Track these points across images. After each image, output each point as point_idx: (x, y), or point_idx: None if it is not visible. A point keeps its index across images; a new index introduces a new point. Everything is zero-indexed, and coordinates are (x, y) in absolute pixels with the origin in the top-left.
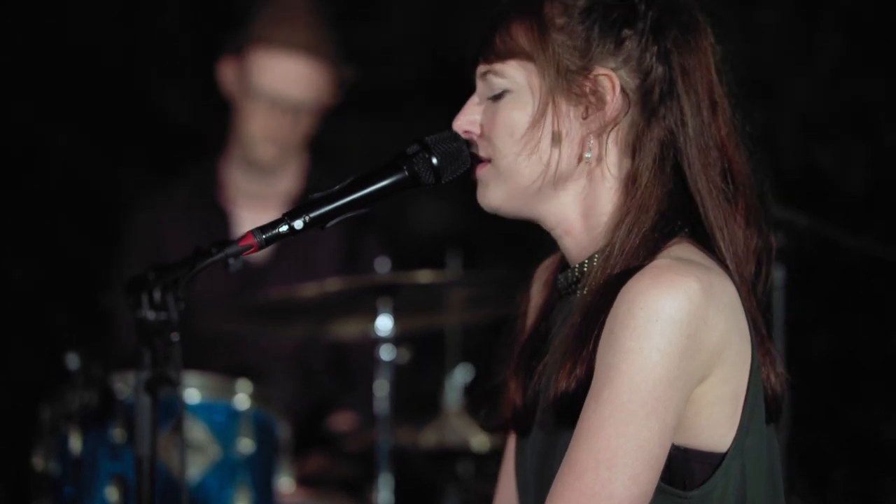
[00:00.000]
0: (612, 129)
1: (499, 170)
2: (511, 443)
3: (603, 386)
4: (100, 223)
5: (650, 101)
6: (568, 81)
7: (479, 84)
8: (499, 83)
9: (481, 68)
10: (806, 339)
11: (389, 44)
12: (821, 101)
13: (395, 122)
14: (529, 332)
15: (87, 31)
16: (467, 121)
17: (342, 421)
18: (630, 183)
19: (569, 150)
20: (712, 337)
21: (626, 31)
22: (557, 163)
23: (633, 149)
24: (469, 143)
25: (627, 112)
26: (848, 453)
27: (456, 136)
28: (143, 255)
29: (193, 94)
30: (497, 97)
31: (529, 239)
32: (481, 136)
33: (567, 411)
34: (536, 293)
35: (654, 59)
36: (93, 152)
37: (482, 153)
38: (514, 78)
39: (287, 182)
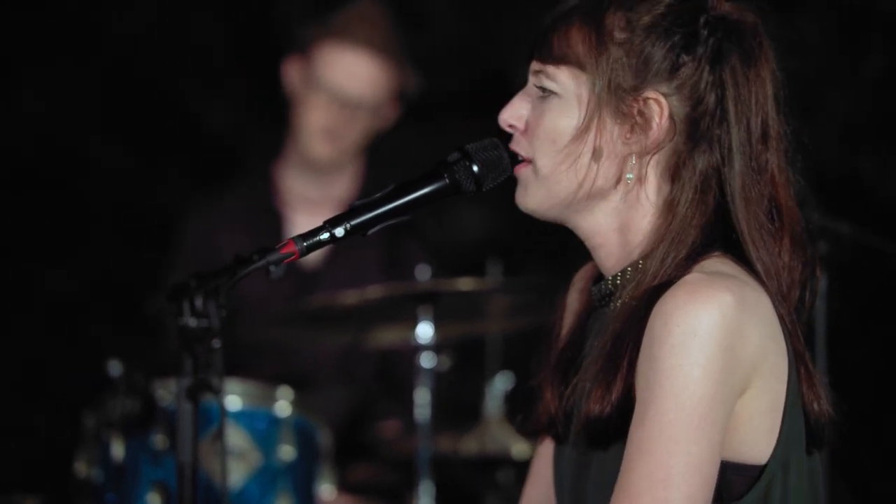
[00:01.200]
0: (653, 154)
1: (538, 174)
2: (543, 445)
3: (647, 406)
4: (140, 232)
5: (697, 132)
6: (617, 98)
7: (531, 79)
8: (549, 85)
9: (535, 65)
10: (848, 347)
11: (433, 53)
12: (863, 110)
13: (434, 132)
14: (566, 339)
15: (124, 43)
16: (513, 115)
17: (388, 429)
18: (668, 209)
19: (607, 167)
20: (749, 349)
21: (684, 57)
22: (594, 179)
23: (674, 175)
24: (510, 139)
25: (672, 139)
26: (892, 465)
27: (497, 144)
28: (197, 261)
29: (230, 103)
30: (545, 98)
31: (570, 246)
32: (525, 133)
33: (599, 435)
34: (574, 300)
35: (707, 87)
36: (132, 163)
37: (523, 152)
38: (565, 85)
39: (343, 186)
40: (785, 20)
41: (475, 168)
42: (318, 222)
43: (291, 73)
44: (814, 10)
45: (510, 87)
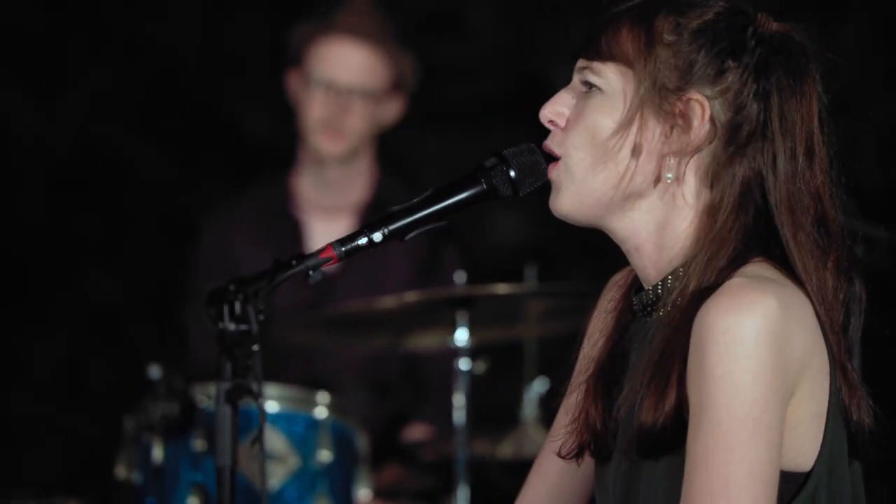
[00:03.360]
0: (692, 155)
1: (569, 172)
2: (547, 447)
3: (701, 417)
4: (182, 235)
5: (736, 138)
6: (661, 97)
7: (576, 76)
8: (595, 81)
9: (581, 63)
10: (884, 353)
11: (471, 59)
12: None
13: (473, 137)
14: (605, 352)
15: (166, 51)
16: (555, 111)
17: (416, 432)
18: (707, 215)
19: (645, 165)
20: (795, 352)
21: (730, 63)
22: (632, 175)
23: (713, 181)
24: (548, 135)
25: (711, 142)
26: None
27: (534, 149)
28: (216, 268)
29: (271, 109)
30: (589, 94)
31: (607, 250)
32: (563, 129)
33: (653, 446)
34: (609, 308)
35: (751, 96)
36: (176, 170)
37: (555, 148)
38: (611, 81)
39: (357, 192)
40: (826, 31)
41: (512, 173)
42: (335, 229)
43: (291, 83)
44: (852, 19)
45: (549, 92)
